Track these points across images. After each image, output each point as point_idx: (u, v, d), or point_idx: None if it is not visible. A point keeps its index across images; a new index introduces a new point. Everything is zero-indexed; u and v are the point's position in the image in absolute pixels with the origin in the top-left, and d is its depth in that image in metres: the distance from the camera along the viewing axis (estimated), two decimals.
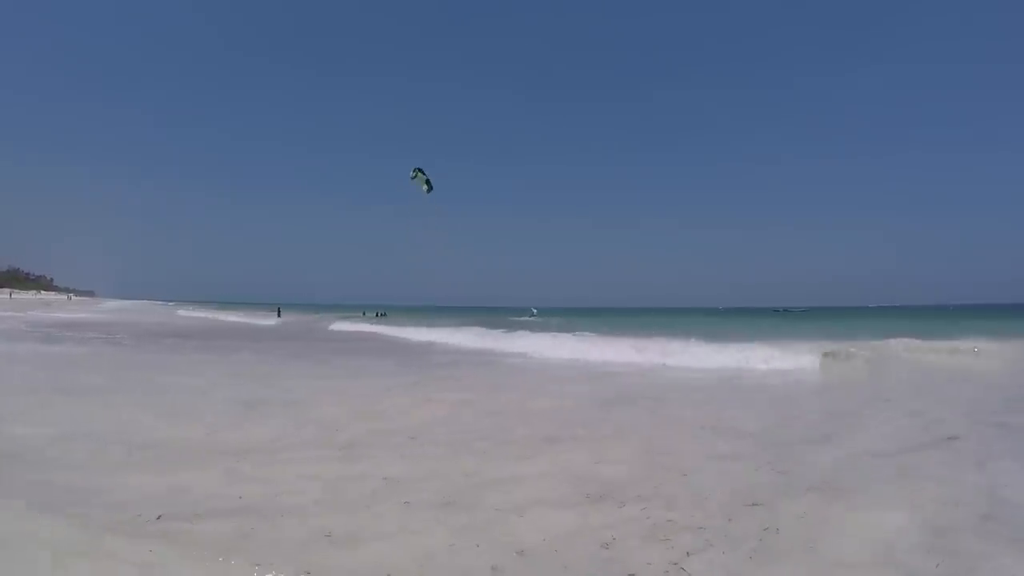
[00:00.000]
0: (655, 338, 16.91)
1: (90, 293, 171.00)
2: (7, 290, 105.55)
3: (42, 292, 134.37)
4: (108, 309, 62.36)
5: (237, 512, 3.85)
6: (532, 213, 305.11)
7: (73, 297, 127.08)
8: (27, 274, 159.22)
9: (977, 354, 11.39)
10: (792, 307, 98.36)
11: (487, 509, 4.04)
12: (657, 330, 22.30)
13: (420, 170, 11.87)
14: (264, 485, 4.45)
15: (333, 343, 22.64)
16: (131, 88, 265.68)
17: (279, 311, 53.15)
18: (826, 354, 11.76)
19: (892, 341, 12.73)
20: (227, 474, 4.72)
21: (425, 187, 11.87)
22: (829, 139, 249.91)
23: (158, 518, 3.69)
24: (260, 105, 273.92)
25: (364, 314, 62.14)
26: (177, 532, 3.49)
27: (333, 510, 3.95)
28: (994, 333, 14.45)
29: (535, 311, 62.81)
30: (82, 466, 4.86)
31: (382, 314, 60.89)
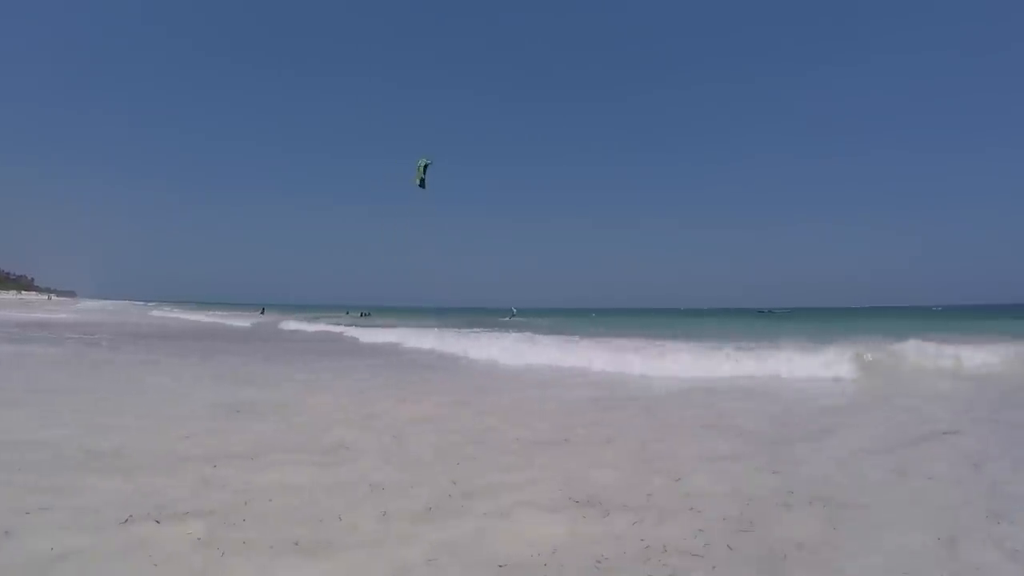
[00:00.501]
0: (636, 339, 16.44)
1: (71, 293, 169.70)
2: None
3: (22, 292, 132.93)
4: (84, 309, 61.46)
5: (204, 517, 3.66)
6: (528, 214, 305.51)
7: (53, 297, 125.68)
8: (7, 274, 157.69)
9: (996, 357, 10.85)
10: (776, 308, 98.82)
11: (471, 518, 3.80)
12: (639, 332, 21.97)
13: (425, 166, 11.75)
14: (236, 491, 4.23)
15: (295, 343, 21.90)
16: (114, 89, 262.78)
17: (263, 311, 52.58)
18: (856, 359, 10.98)
19: (911, 344, 12.04)
20: (200, 479, 4.50)
21: (418, 181, 11.72)
22: (824, 139, 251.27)
23: (124, 521, 3.54)
24: (243, 106, 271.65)
25: (347, 313, 61.84)
26: (141, 536, 3.35)
27: (306, 518, 3.72)
28: (987, 333, 14.33)
29: (515, 311, 62.33)
30: (48, 468, 4.63)
31: (366, 314, 60.63)
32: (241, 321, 40.56)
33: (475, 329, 24.27)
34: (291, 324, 34.48)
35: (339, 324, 32.75)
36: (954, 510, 4.02)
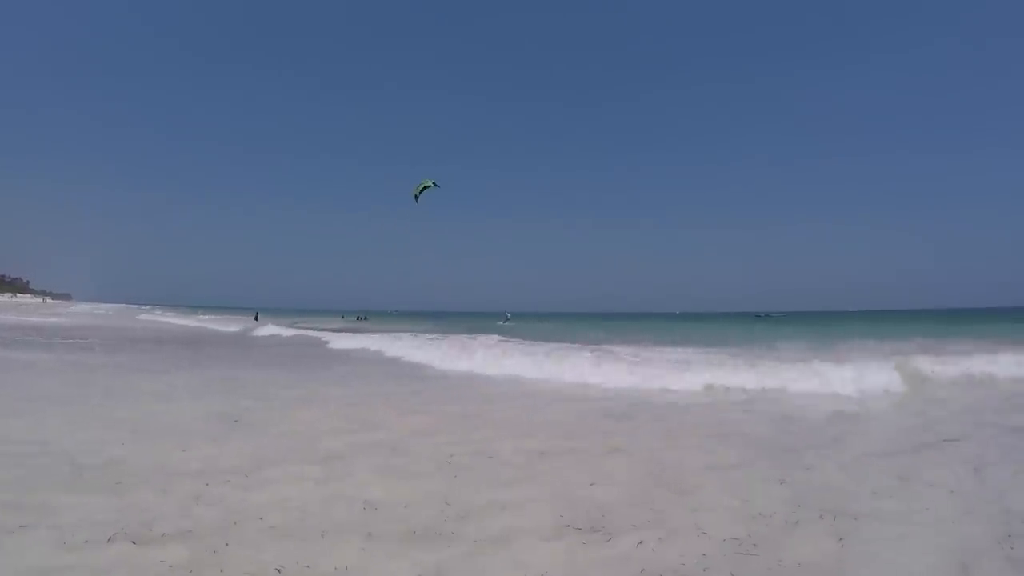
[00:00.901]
0: (633, 346, 15.97)
1: (67, 296, 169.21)
2: None
3: (17, 295, 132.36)
4: (75, 313, 61.02)
5: (188, 539, 3.53)
6: (526, 216, 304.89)
7: (48, 300, 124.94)
8: (2, 277, 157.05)
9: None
10: (772, 312, 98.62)
11: (464, 541, 3.62)
12: (635, 338, 21.66)
13: (424, 187, 12.32)
14: (224, 508, 4.08)
15: (280, 350, 21.44)
16: (110, 91, 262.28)
17: (257, 316, 52.23)
18: (861, 366, 10.36)
19: (915, 349, 11.62)
20: (191, 495, 4.34)
21: (416, 194, 12.30)
22: (824, 139, 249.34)
23: (108, 540, 3.43)
24: (242, 109, 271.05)
25: (343, 318, 61.80)
26: (120, 558, 3.24)
27: (292, 538, 3.57)
28: (988, 338, 14.14)
29: (508, 315, 61.91)
30: (35, 483, 4.47)
31: (362, 318, 60.60)
32: (229, 326, 39.73)
33: (472, 335, 23.65)
34: (283, 331, 32.81)
35: (325, 330, 31.86)
36: (967, 522, 3.93)
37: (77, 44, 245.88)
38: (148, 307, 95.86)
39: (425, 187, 12.31)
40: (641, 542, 3.57)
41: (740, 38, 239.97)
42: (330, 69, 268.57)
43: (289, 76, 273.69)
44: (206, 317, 55.73)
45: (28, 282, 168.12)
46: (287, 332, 31.17)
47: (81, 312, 64.44)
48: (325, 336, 26.91)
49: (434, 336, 22.69)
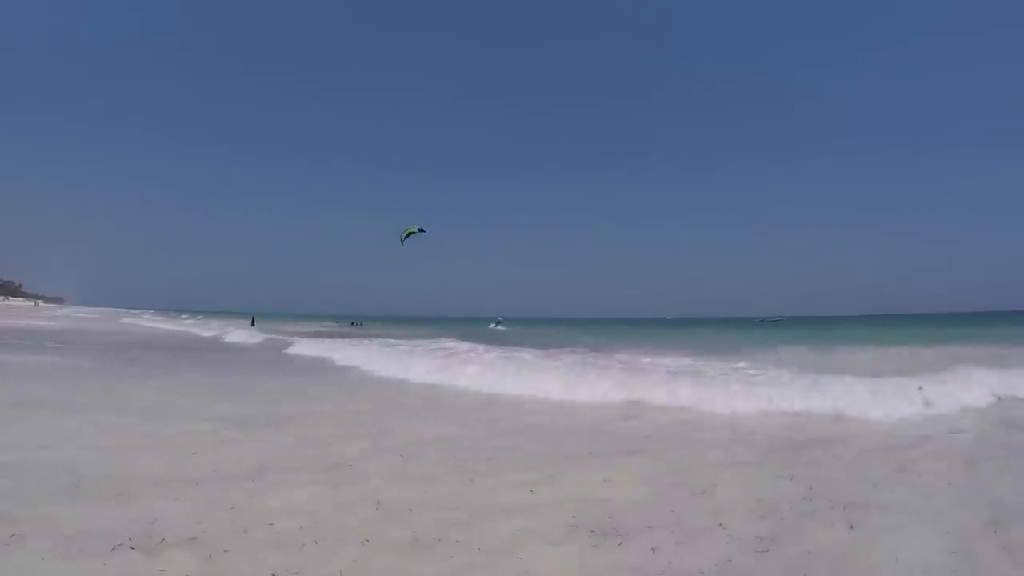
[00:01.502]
0: (632, 353, 15.82)
1: (59, 300, 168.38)
2: None
3: (9, 298, 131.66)
4: (63, 316, 60.66)
5: (193, 546, 3.47)
6: (522, 221, 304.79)
7: (40, 304, 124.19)
8: None
9: None
10: (767, 317, 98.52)
11: (471, 548, 3.54)
12: (632, 344, 21.53)
13: (410, 232, 13.01)
14: (226, 516, 4.00)
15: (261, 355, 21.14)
16: (107, 92, 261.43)
17: (253, 320, 51.95)
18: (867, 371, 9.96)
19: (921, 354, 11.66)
20: (194, 503, 4.26)
21: (402, 238, 12.99)
22: (822, 141, 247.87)
23: (111, 550, 3.35)
24: (243, 112, 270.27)
25: (337, 323, 61.69)
26: (124, 567, 3.16)
27: (289, 547, 3.48)
28: (988, 342, 14.12)
29: (500, 319, 61.34)
30: (27, 493, 4.35)
31: (357, 324, 60.46)
32: (205, 331, 38.83)
33: (470, 342, 23.22)
34: (249, 337, 31.04)
35: (315, 336, 30.39)
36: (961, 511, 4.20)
37: (73, 44, 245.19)
38: (137, 311, 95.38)
39: (411, 232, 12.87)
40: (654, 549, 3.54)
41: (738, 38, 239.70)
42: (328, 70, 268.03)
43: (286, 77, 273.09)
44: (189, 321, 55.80)
45: (20, 285, 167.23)
46: (254, 339, 29.94)
47: (65, 316, 64.00)
48: (293, 340, 26.54)
49: (425, 342, 22.59)
